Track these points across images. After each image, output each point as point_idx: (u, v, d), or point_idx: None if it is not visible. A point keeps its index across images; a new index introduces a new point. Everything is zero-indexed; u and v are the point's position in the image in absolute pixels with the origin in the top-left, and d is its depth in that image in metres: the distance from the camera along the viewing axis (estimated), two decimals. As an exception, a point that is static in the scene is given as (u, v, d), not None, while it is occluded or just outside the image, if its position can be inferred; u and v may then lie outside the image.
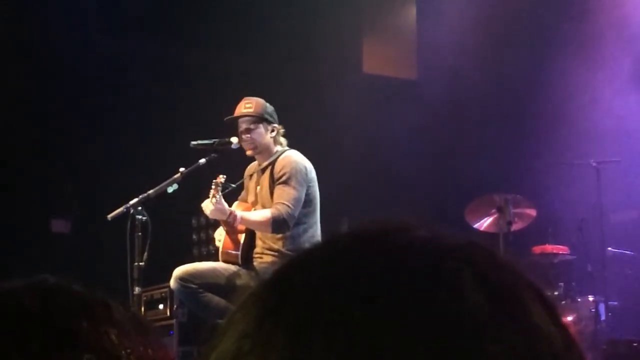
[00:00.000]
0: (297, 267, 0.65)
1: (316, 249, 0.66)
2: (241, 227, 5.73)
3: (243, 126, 5.74)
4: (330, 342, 0.58)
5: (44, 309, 0.87)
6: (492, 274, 0.62)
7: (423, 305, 0.59)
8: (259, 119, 5.73)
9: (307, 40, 8.86)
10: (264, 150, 5.77)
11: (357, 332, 0.58)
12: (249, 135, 5.72)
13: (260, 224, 5.60)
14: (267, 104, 5.79)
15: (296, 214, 5.58)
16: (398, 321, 0.58)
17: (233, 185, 5.81)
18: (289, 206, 5.54)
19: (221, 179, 5.44)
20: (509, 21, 8.83)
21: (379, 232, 0.65)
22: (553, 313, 0.63)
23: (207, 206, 5.49)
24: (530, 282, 0.64)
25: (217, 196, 5.41)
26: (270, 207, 5.60)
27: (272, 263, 5.61)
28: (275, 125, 5.77)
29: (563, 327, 0.63)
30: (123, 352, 0.86)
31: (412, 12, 9.58)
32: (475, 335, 0.58)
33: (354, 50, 9.40)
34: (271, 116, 5.77)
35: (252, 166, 5.97)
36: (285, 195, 5.57)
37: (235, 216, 5.54)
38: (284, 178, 5.61)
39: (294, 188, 5.59)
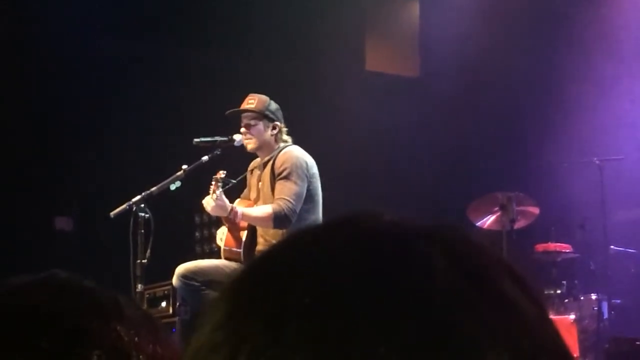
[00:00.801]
0: (266, 260, 0.65)
1: (284, 242, 0.67)
2: (243, 224, 5.72)
3: (244, 121, 5.75)
4: (302, 328, 0.58)
5: (54, 306, 0.86)
6: (463, 253, 0.62)
7: (395, 286, 0.59)
8: (260, 115, 5.72)
9: (310, 38, 8.86)
10: (264, 147, 5.76)
11: (331, 318, 0.58)
12: (248, 131, 5.72)
13: (262, 219, 5.59)
14: (272, 102, 5.78)
15: (297, 209, 5.57)
16: (371, 304, 0.58)
17: (233, 181, 5.80)
18: (290, 201, 5.53)
19: (221, 174, 5.43)
20: (511, 19, 8.82)
21: (347, 220, 0.65)
22: (526, 288, 0.63)
23: (208, 203, 5.48)
24: (502, 259, 0.64)
25: (218, 192, 5.40)
26: (271, 203, 5.59)
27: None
28: (278, 123, 5.75)
29: (537, 302, 0.63)
30: (133, 350, 0.86)
31: (414, 9, 9.58)
32: (449, 312, 0.58)
33: (356, 47, 9.39)
34: (273, 114, 5.75)
35: (255, 162, 5.97)
36: (286, 191, 5.56)
37: (236, 212, 5.53)
38: (284, 173, 5.60)
39: (295, 183, 5.58)
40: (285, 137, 5.79)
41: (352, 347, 0.57)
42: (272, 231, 5.65)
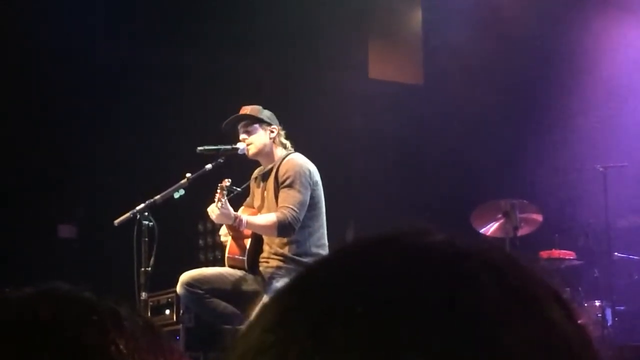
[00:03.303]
0: (316, 269, 0.67)
1: (334, 253, 0.68)
2: (247, 232, 5.73)
3: (242, 129, 5.78)
4: (350, 334, 0.60)
5: (54, 319, 0.86)
6: (509, 274, 0.64)
7: (442, 299, 0.61)
8: (255, 119, 5.76)
9: (313, 46, 8.87)
10: (265, 152, 5.78)
11: (378, 326, 0.60)
12: (246, 137, 5.75)
13: (266, 228, 5.60)
14: (265, 110, 5.84)
15: (301, 217, 5.58)
16: (418, 315, 0.60)
17: (238, 189, 5.82)
18: (293, 209, 5.54)
19: (226, 182, 5.44)
20: (514, 26, 8.82)
21: (398, 235, 0.67)
22: (570, 313, 0.65)
23: (213, 211, 5.49)
24: (548, 282, 0.66)
25: (223, 200, 5.41)
26: (275, 211, 5.60)
27: (278, 267, 5.62)
28: (275, 126, 5.79)
29: (580, 327, 0.65)
30: (132, 362, 0.86)
31: (417, 17, 9.58)
32: (492, 328, 0.60)
33: (360, 55, 9.39)
34: (268, 118, 5.80)
35: (258, 170, 5.99)
36: (289, 199, 5.57)
37: (240, 220, 5.54)
38: (287, 182, 5.61)
39: (298, 191, 5.60)
40: (284, 140, 5.82)
41: (398, 356, 0.59)
42: (277, 239, 5.66)
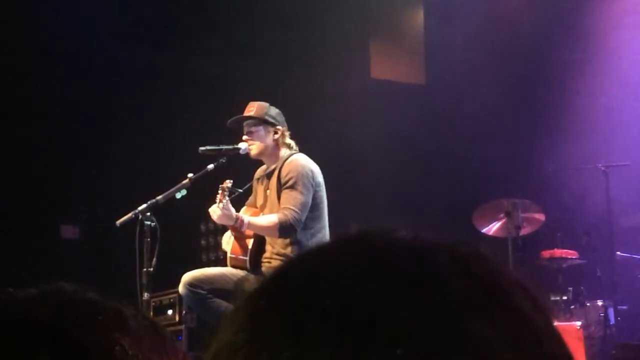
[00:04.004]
0: (286, 269, 0.68)
1: (305, 252, 0.69)
2: (249, 232, 5.73)
3: (245, 129, 5.77)
4: (321, 330, 0.60)
5: (57, 319, 0.86)
6: (475, 266, 0.65)
7: (410, 292, 0.62)
8: (260, 120, 5.75)
9: (315, 46, 8.87)
10: (268, 152, 5.77)
11: (348, 321, 0.60)
12: (250, 138, 5.74)
13: (268, 229, 5.60)
14: (271, 107, 5.80)
15: (303, 218, 5.58)
16: (387, 308, 0.61)
17: (240, 190, 5.81)
18: (295, 211, 5.54)
19: (228, 183, 5.44)
20: (516, 25, 8.83)
21: (364, 235, 0.68)
22: (535, 302, 0.66)
23: (214, 211, 5.49)
24: (513, 274, 0.67)
25: (224, 201, 5.41)
26: (277, 212, 5.60)
27: (280, 268, 5.61)
28: (279, 127, 5.77)
29: (545, 316, 0.66)
30: (135, 362, 0.86)
31: (419, 16, 9.59)
32: (460, 316, 0.61)
33: (361, 55, 9.40)
34: (274, 118, 5.77)
35: (261, 169, 5.98)
36: (291, 200, 5.57)
37: (242, 221, 5.54)
38: (290, 182, 5.61)
39: (301, 192, 5.59)
40: (288, 140, 5.81)
41: (370, 350, 0.59)
42: (280, 240, 5.65)
